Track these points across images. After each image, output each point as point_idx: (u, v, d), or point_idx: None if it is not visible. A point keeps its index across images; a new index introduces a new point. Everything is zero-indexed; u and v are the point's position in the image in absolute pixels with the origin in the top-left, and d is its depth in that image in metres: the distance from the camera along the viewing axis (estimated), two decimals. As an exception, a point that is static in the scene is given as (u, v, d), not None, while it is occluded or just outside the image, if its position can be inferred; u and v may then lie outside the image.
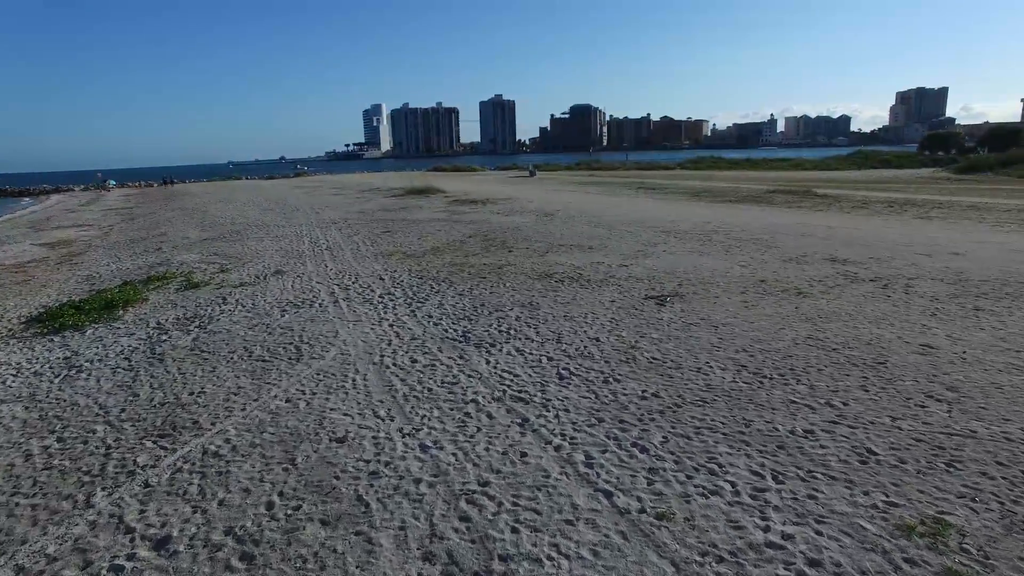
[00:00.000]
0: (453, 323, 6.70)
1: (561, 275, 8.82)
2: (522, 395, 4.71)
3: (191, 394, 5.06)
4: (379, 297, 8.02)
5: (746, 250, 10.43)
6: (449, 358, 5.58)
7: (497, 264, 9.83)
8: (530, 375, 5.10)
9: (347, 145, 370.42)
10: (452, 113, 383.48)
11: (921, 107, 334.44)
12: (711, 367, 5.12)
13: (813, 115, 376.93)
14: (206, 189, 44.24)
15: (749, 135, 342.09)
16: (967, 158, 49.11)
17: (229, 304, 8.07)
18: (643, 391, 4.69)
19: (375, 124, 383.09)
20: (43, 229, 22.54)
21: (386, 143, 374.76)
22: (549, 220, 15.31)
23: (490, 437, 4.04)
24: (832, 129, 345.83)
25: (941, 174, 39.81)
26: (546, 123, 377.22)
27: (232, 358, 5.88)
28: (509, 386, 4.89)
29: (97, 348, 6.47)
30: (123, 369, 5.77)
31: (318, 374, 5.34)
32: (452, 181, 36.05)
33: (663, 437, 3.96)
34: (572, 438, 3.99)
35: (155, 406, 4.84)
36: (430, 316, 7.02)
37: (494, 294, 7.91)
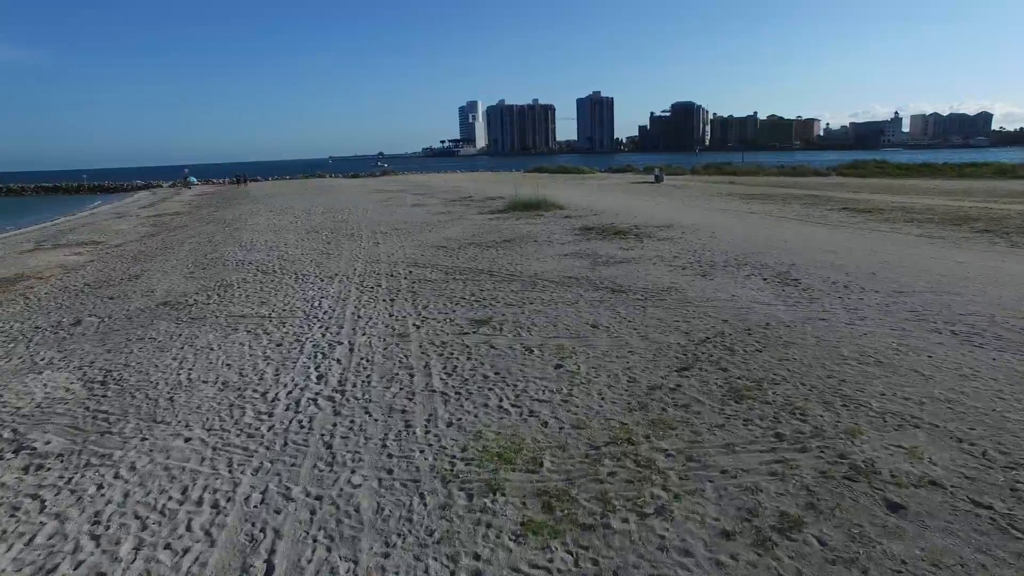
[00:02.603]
0: None
1: None
2: None
3: None
4: None
5: None
6: None
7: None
8: None
9: (443, 142, 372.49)
10: (548, 110, 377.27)
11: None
12: None
13: (933, 112, 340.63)
14: (275, 190, 39.26)
15: (869, 135, 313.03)
16: None
17: None
18: None
19: (471, 121, 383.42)
20: (37, 250, 17.17)
21: (481, 140, 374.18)
22: (808, 299, 7.51)
23: None
24: (969, 128, 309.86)
25: None
26: (644, 121, 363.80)
27: None
28: None
29: None
30: None
31: None
32: (563, 188, 28.61)
33: None
34: None
35: None
36: None
37: None
